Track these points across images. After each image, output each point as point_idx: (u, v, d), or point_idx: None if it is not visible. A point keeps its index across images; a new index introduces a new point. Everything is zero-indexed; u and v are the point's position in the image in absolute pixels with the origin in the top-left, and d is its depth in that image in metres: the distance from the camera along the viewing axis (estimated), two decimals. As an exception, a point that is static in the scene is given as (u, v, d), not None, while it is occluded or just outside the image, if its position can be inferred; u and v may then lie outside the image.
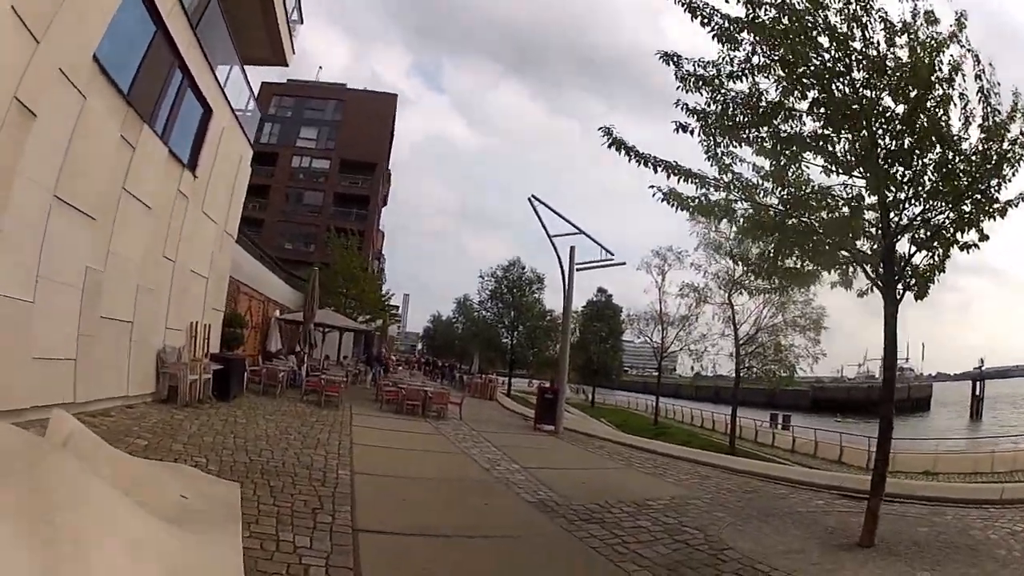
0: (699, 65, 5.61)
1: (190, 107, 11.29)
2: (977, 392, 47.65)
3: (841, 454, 21.94)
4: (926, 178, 5.37)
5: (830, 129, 5.48)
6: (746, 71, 5.51)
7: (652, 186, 5.45)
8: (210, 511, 3.95)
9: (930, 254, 5.63)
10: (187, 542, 3.00)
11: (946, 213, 5.41)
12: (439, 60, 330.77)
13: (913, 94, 5.17)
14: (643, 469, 10.44)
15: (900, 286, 5.57)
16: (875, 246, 5.66)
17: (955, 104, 5.32)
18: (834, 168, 5.62)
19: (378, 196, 49.84)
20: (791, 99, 5.52)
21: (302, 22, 16.27)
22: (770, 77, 5.50)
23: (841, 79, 5.32)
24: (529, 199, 15.69)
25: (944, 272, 5.65)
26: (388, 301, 39.51)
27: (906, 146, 5.33)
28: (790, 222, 5.63)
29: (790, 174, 5.65)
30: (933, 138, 5.21)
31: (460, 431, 12.74)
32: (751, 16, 5.38)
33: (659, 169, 5.47)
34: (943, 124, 5.26)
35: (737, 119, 5.52)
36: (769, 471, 10.75)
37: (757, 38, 5.40)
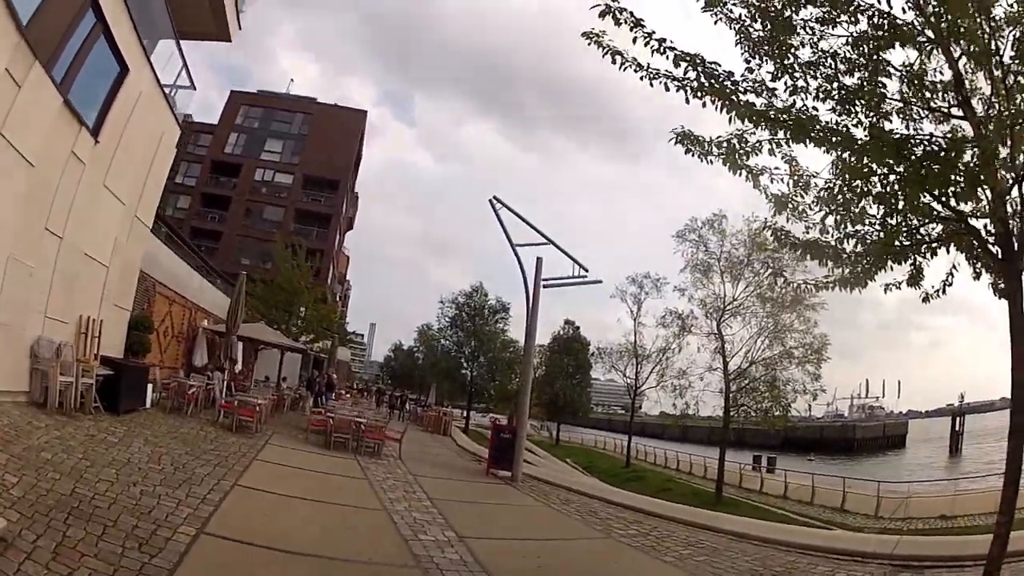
0: None
1: (101, 60, 9.66)
2: (957, 427, 46.29)
3: (844, 501, 19.74)
4: None
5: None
6: None
7: (673, 131, 4.04)
8: None
9: None
10: None
11: None
12: (410, 93, 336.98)
13: None
14: (627, 539, 7.96)
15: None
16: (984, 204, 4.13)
17: None
18: (939, 92, 4.10)
19: (341, 215, 47.88)
20: None
21: (251, -5, 14.76)
22: None
23: None
24: (490, 201, 13.49)
25: None
26: (339, 321, 36.64)
27: None
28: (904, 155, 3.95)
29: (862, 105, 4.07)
30: None
31: (393, 474, 10.41)
32: None
33: (672, 64, 3.87)
34: None
35: None
36: (790, 537, 8.49)
37: None
